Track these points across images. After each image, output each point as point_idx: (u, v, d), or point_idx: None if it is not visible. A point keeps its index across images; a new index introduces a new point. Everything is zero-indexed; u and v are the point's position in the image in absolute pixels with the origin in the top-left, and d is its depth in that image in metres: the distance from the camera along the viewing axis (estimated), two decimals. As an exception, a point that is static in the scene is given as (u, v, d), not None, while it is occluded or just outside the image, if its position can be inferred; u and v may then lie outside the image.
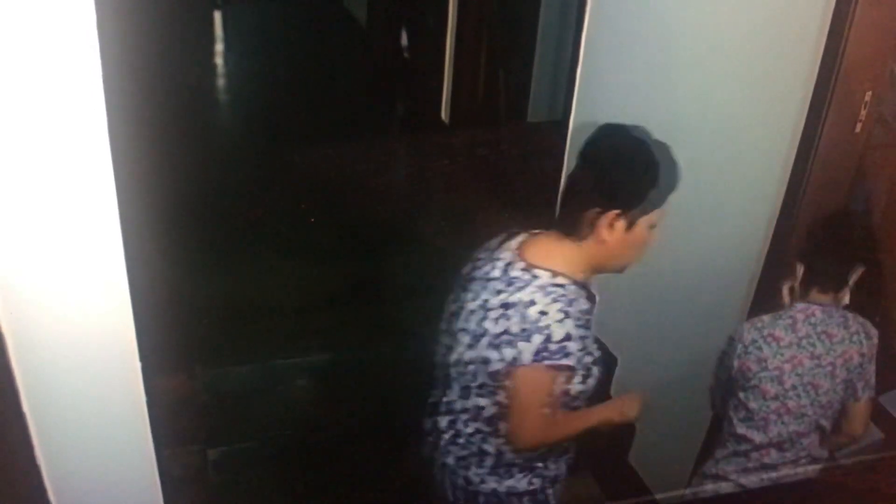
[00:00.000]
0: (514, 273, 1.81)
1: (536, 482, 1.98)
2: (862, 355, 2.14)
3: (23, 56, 1.17)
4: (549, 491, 2.02)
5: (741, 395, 2.26)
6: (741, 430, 2.26)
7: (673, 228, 2.75)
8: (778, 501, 2.25)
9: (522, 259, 1.83)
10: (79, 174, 1.28)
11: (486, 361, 1.81)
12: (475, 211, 3.82)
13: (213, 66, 5.43)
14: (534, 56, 4.43)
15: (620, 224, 1.76)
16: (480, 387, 1.86)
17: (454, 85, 4.57)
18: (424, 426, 2.04)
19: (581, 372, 1.82)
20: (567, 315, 1.75)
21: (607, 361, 3.16)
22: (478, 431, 1.92)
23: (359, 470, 2.80)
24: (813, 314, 2.17)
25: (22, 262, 1.32)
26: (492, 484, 1.96)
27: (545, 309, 1.74)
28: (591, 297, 1.87)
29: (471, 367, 1.86)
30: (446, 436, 1.98)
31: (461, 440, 1.95)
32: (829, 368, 2.14)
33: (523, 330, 1.74)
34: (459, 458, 1.97)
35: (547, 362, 1.73)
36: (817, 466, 2.20)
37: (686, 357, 2.71)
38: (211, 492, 2.66)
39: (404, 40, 5.28)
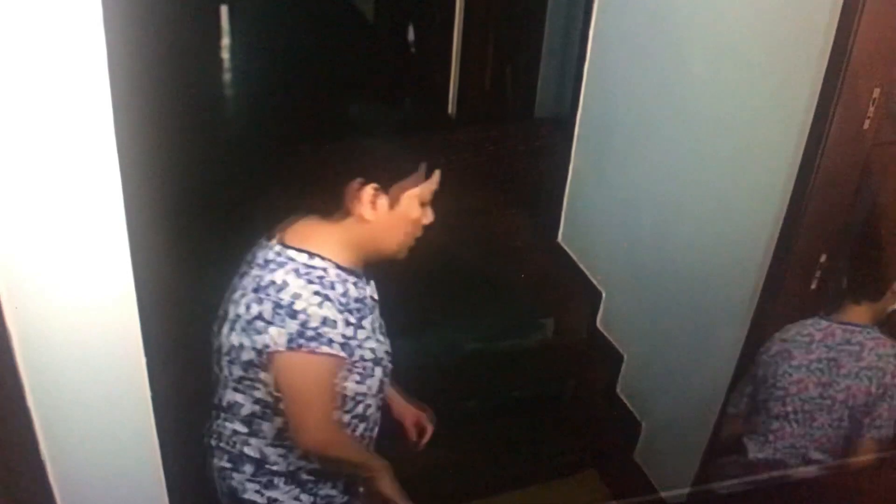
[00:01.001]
0: (270, 255, 1.70)
1: (305, 499, 1.85)
2: (869, 394, 2.00)
3: (27, 50, 1.17)
4: None
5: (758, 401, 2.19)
6: (745, 437, 2.20)
7: (680, 224, 2.76)
8: (783, 499, 2.23)
9: (280, 242, 1.72)
10: (84, 167, 1.28)
11: (239, 349, 1.69)
12: (480, 206, 3.81)
13: (220, 61, 5.42)
14: (541, 51, 4.42)
15: (382, 201, 1.66)
16: (238, 381, 1.74)
17: (461, 80, 4.57)
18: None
19: (357, 370, 1.72)
20: (327, 298, 1.62)
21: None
22: (235, 433, 1.81)
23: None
24: (832, 335, 2.07)
25: (26, 255, 1.32)
26: (252, 494, 1.83)
27: (299, 291, 1.62)
28: (364, 286, 1.76)
29: (226, 359, 1.75)
30: (212, 438, 1.88)
31: (223, 443, 1.84)
32: (829, 402, 2.03)
33: (277, 315, 1.61)
34: (224, 463, 1.86)
35: (304, 349, 1.60)
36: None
37: (692, 354, 2.70)
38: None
39: (411, 35, 5.27)
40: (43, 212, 1.30)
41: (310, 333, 1.61)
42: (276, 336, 1.62)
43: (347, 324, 1.66)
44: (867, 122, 2.18)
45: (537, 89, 4.52)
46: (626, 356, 3.13)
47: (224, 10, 5.80)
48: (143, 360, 1.53)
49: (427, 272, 3.33)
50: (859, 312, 2.08)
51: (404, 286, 3.25)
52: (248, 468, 1.82)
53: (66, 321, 1.41)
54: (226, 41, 5.69)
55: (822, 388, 2.04)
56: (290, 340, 1.61)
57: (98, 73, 1.22)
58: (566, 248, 3.45)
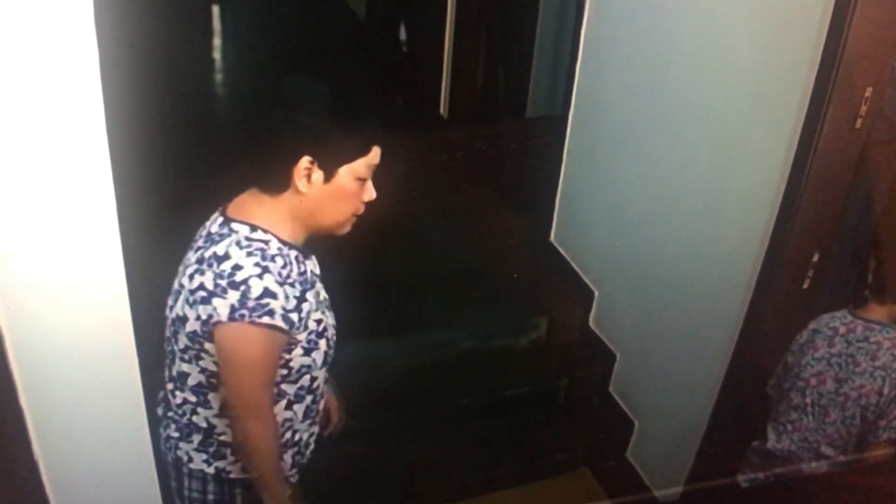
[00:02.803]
0: (213, 228, 1.70)
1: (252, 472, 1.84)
2: (881, 394, 1.98)
3: (20, 47, 1.16)
4: None
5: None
6: (769, 424, 2.19)
7: (672, 223, 2.76)
8: (782, 497, 2.23)
9: (223, 214, 1.72)
10: (75, 166, 1.28)
11: (184, 320, 1.68)
12: (473, 205, 3.81)
13: (212, 61, 5.41)
14: (533, 51, 4.42)
15: (318, 175, 1.65)
16: (183, 350, 1.73)
17: (453, 79, 4.56)
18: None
19: (302, 343, 1.72)
20: (266, 270, 1.62)
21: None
22: (185, 401, 1.80)
23: (361, 467, 2.79)
24: (853, 330, 2.07)
25: (18, 254, 1.31)
26: (200, 464, 1.84)
27: (240, 263, 1.62)
28: (305, 260, 1.76)
29: (172, 329, 1.74)
30: (160, 408, 1.88)
31: (171, 412, 1.84)
32: (842, 399, 2.03)
33: (217, 285, 1.61)
34: (172, 432, 1.85)
35: (246, 320, 1.59)
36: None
37: (685, 353, 2.70)
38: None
39: (403, 34, 5.26)
40: (34, 210, 1.29)
41: (251, 304, 1.60)
42: (219, 307, 1.61)
43: (288, 297, 1.65)
44: (859, 121, 2.18)
45: (529, 88, 4.52)
46: (618, 355, 3.13)
47: (216, 11, 5.80)
48: (135, 359, 1.53)
49: (420, 271, 3.33)
50: (882, 311, 2.08)
51: (398, 286, 3.26)
52: (196, 437, 1.83)
53: (58, 320, 1.41)
54: (217, 41, 5.68)
55: (838, 383, 2.04)
56: (233, 311, 1.59)
57: (89, 74, 1.21)
58: (559, 247, 3.45)
